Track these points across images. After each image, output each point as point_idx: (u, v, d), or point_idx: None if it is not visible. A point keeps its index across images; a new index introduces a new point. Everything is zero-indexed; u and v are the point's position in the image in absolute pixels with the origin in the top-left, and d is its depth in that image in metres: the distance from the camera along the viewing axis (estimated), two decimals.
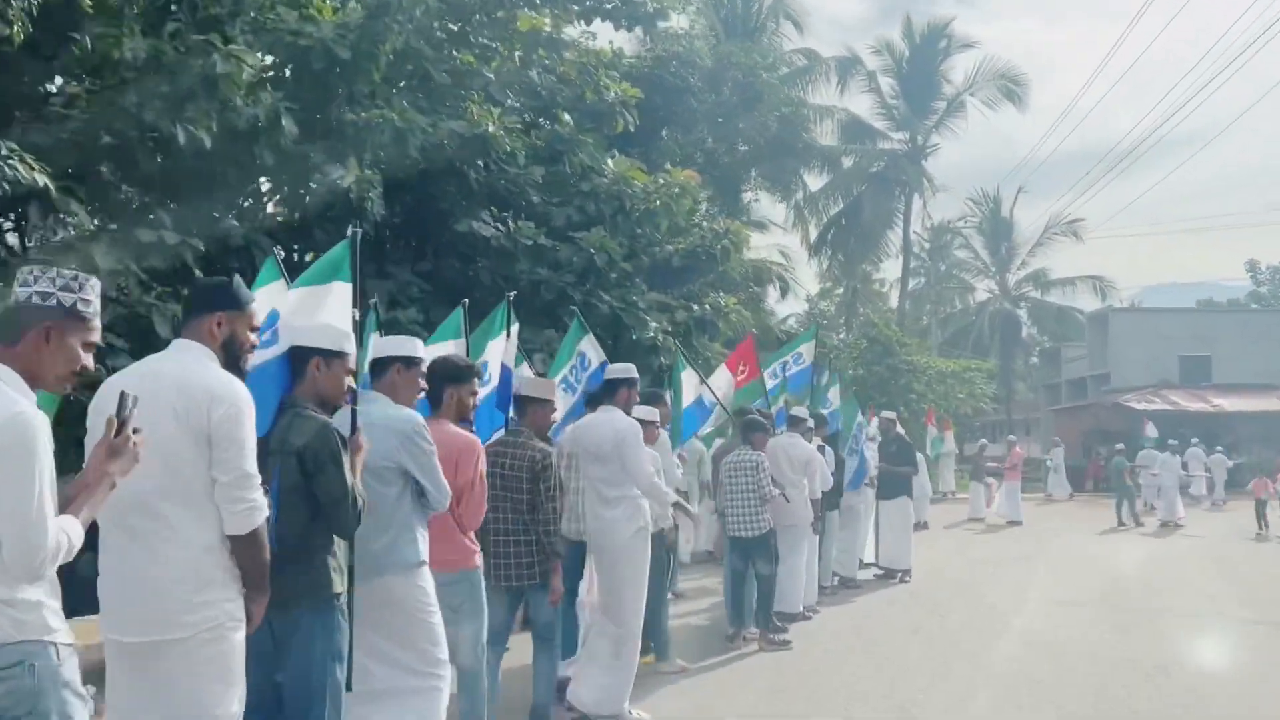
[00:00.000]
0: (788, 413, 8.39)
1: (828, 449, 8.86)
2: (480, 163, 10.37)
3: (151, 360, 2.93)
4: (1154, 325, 34.58)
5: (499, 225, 10.95)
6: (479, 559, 4.16)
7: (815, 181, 30.19)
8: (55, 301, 2.33)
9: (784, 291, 27.22)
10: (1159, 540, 16.08)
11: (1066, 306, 43.06)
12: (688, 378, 7.84)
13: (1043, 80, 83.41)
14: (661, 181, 13.55)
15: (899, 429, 11.34)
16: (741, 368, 8.16)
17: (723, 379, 8.25)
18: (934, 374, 27.94)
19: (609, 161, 13.24)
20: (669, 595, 6.98)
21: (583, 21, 13.82)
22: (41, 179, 5.23)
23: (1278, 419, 29.21)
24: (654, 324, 11.16)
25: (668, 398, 6.93)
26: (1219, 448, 23.17)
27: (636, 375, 5.59)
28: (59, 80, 6.94)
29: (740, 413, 7.90)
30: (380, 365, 3.82)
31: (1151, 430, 22.11)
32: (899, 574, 10.82)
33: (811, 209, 30.79)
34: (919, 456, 17.23)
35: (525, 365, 6.15)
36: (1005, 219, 43.81)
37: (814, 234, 31.31)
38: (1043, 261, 42.78)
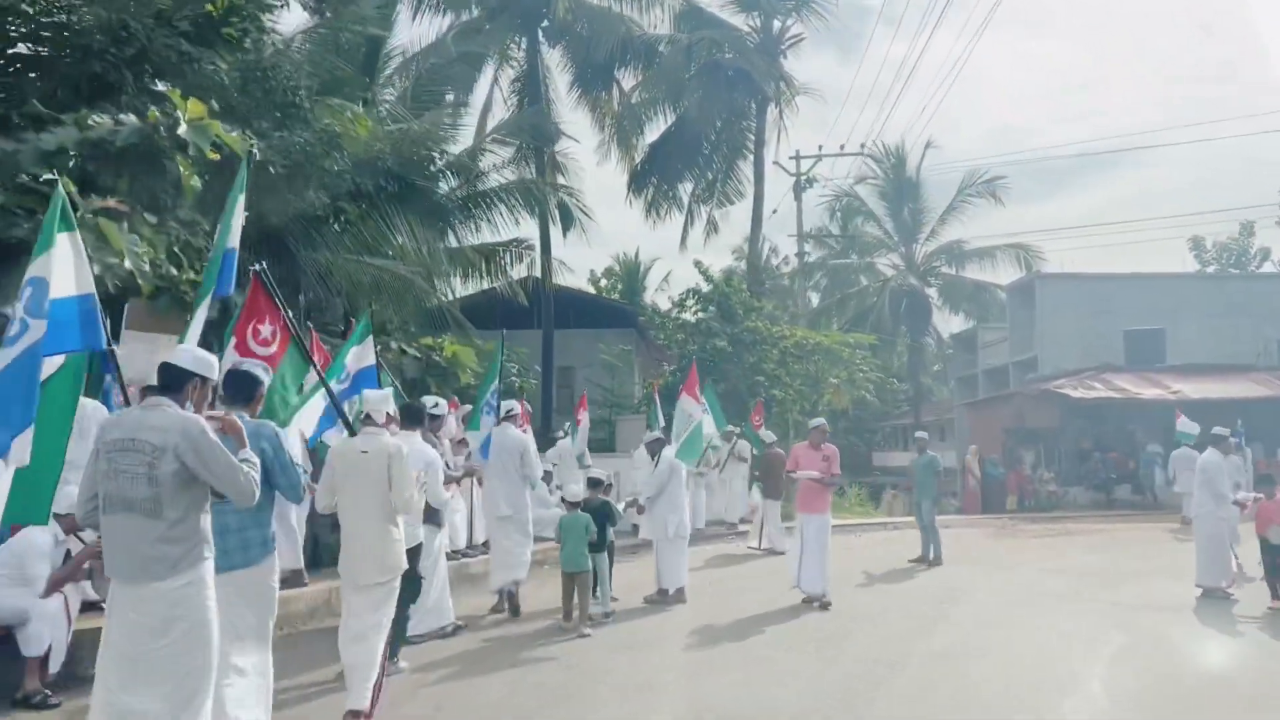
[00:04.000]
0: None
1: None
2: None
3: None
4: (1092, 294, 26.76)
5: None
6: None
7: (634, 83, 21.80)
8: None
9: (566, 226, 18.67)
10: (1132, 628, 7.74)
11: (985, 283, 35.67)
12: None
13: None
14: None
15: None
16: None
17: None
18: (791, 349, 19.67)
19: None
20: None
21: None
22: None
23: (1253, 407, 21.41)
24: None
25: None
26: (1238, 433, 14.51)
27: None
28: None
29: None
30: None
31: (1186, 425, 14.89)
32: None
33: (634, 125, 22.33)
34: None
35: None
36: (910, 179, 36.17)
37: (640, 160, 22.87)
38: (957, 231, 35.44)
